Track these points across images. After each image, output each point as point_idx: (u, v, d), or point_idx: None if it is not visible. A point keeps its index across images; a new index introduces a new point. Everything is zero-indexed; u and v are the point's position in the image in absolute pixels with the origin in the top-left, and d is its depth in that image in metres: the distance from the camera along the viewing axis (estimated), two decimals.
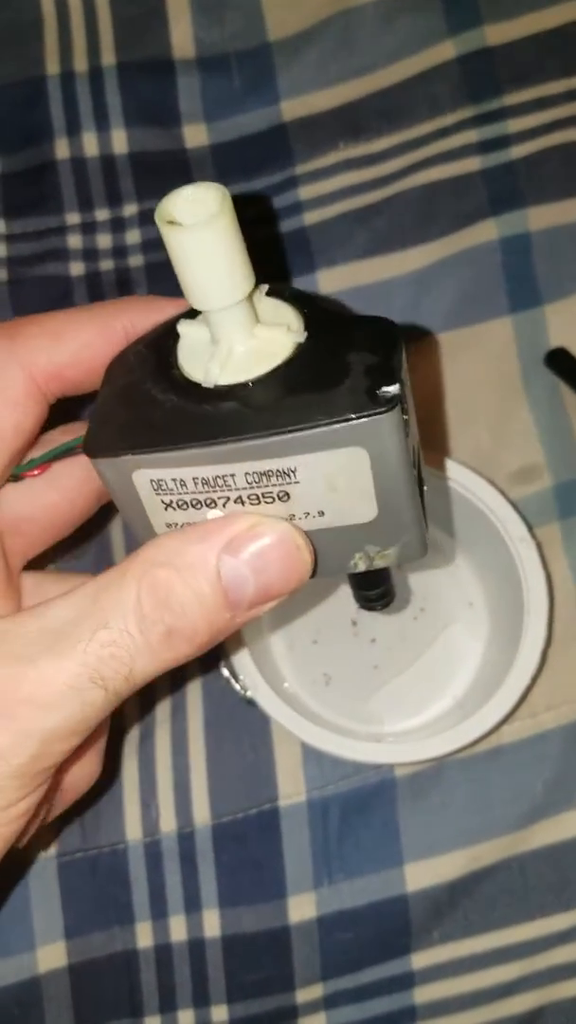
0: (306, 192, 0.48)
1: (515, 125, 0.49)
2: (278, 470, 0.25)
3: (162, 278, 0.48)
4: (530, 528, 0.40)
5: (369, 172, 0.49)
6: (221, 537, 0.25)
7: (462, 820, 0.42)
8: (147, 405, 0.26)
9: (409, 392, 0.26)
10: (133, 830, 0.42)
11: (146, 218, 0.48)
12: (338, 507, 0.26)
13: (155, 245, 0.48)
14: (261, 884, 0.42)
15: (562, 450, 0.45)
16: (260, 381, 0.25)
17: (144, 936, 0.42)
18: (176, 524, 0.27)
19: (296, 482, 0.25)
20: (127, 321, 0.29)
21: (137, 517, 0.27)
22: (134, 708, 0.43)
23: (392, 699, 0.43)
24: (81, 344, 0.29)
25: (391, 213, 0.48)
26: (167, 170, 0.49)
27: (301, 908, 0.42)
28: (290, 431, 0.24)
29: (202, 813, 0.42)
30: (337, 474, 0.25)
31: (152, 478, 0.26)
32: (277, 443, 0.25)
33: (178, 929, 0.42)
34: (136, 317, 0.29)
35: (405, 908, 0.42)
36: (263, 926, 0.42)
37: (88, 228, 0.48)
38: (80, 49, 0.51)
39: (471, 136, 0.49)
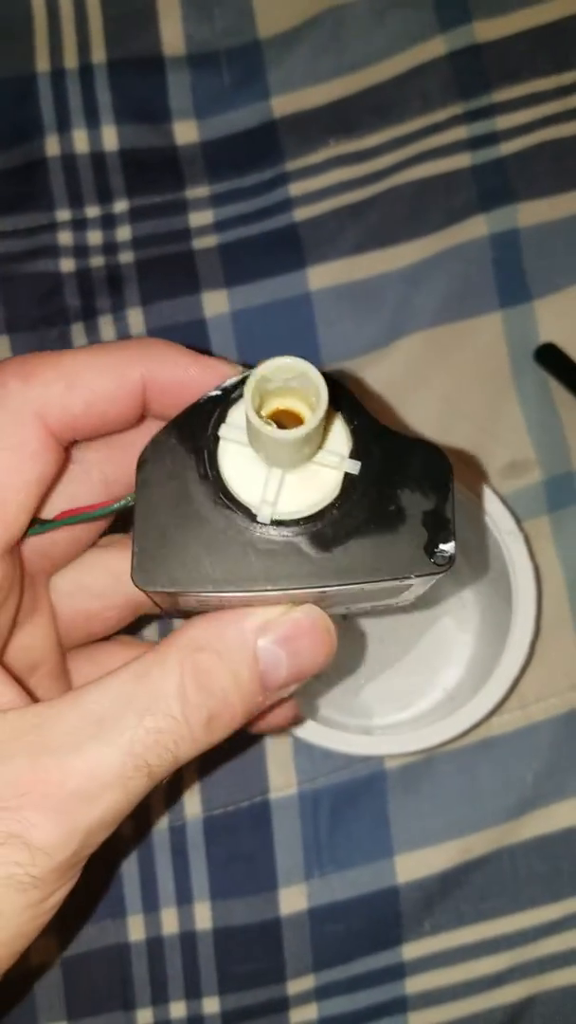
0: (297, 188, 0.49)
1: (505, 121, 0.49)
2: (321, 592, 0.26)
3: (153, 274, 0.48)
4: (519, 521, 0.40)
5: (360, 168, 0.49)
6: (257, 620, 0.26)
7: (452, 811, 0.42)
8: (195, 529, 0.25)
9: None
10: (124, 823, 0.42)
11: (137, 214, 0.48)
12: (365, 600, 0.28)
13: (146, 241, 0.48)
14: (252, 876, 0.42)
15: (552, 445, 0.45)
16: (314, 518, 0.25)
17: (136, 929, 0.42)
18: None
19: (332, 594, 0.26)
20: (145, 370, 0.28)
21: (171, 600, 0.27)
22: None
23: (382, 692, 0.43)
24: (97, 393, 0.27)
25: (382, 209, 0.48)
26: (157, 167, 0.49)
27: (292, 900, 0.42)
28: (348, 584, 0.25)
29: (193, 806, 0.42)
30: (375, 590, 0.26)
31: (199, 598, 0.26)
32: (332, 590, 0.25)
33: (170, 922, 0.42)
34: (155, 367, 0.28)
35: (396, 899, 0.42)
36: (254, 918, 0.42)
37: (79, 225, 0.48)
38: (70, 46, 0.51)
39: (461, 132, 0.49)
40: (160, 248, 0.48)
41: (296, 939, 0.42)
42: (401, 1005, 0.41)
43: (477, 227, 0.47)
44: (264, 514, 0.25)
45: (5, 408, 0.27)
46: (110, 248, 0.48)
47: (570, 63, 0.49)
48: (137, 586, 0.25)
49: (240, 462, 0.25)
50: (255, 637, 0.26)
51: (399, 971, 0.42)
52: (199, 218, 0.49)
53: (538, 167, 0.48)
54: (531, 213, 0.47)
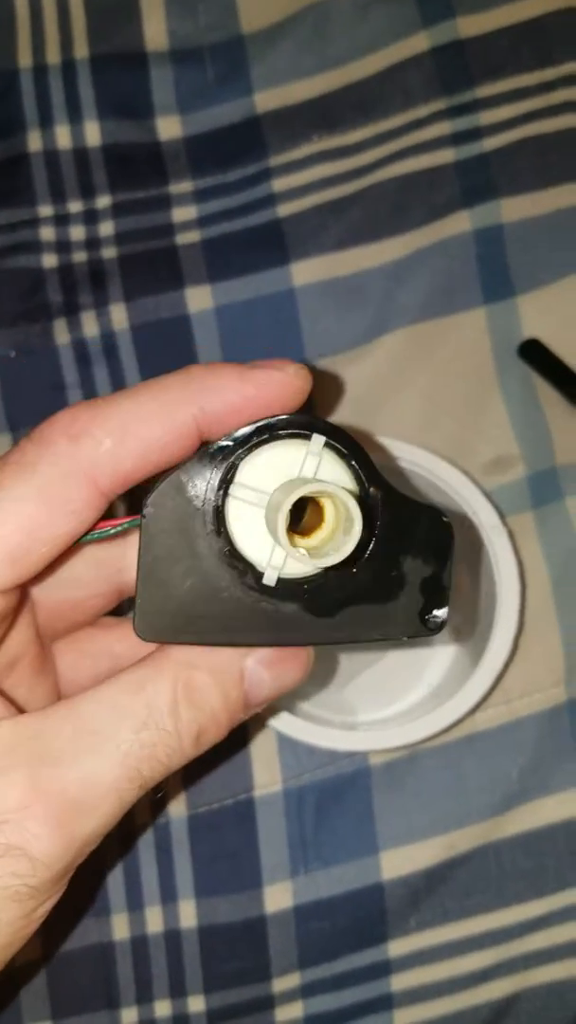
0: (280, 184, 0.48)
1: (488, 117, 0.49)
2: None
3: (135, 270, 0.47)
4: (502, 517, 0.40)
5: (343, 164, 0.49)
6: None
7: (437, 807, 0.42)
8: (200, 584, 0.25)
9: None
10: None
11: (120, 210, 0.48)
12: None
13: (129, 237, 0.48)
14: (237, 874, 0.42)
15: (536, 440, 0.45)
16: (318, 580, 0.25)
17: (120, 927, 0.42)
18: None
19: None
20: (196, 409, 0.26)
21: None
22: None
23: (366, 688, 0.43)
24: (148, 445, 0.26)
25: (365, 205, 0.48)
26: (140, 162, 0.49)
27: (277, 898, 0.42)
28: (343, 642, 0.26)
29: (178, 804, 0.42)
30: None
31: None
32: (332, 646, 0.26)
33: (154, 920, 0.42)
34: (206, 401, 0.26)
35: (381, 896, 0.42)
36: (239, 916, 0.42)
37: (61, 220, 0.48)
38: (53, 42, 0.50)
39: (445, 128, 0.49)
40: (143, 244, 0.48)
41: (281, 937, 0.42)
42: (387, 1002, 0.41)
43: (460, 223, 0.47)
44: (270, 577, 0.25)
45: (56, 467, 0.26)
46: (93, 243, 0.48)
47: (552, 59, 0.49)
48: (139, 637, 0.25)
49: (248, 520, 0.25)
50: (243, 659, 0.27)
51: (385, 968, 0.41)
52: (182, 213, 0.48)
53: (521, 163, 0.48)
54: (514, 209, 0.47)
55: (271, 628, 0.25)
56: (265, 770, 0.42)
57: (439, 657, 0.43)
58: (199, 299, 0.47)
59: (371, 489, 0.26)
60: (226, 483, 0.25)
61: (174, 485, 0.25)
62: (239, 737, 0.43)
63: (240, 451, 0.25)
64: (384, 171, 0.48)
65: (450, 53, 0.49)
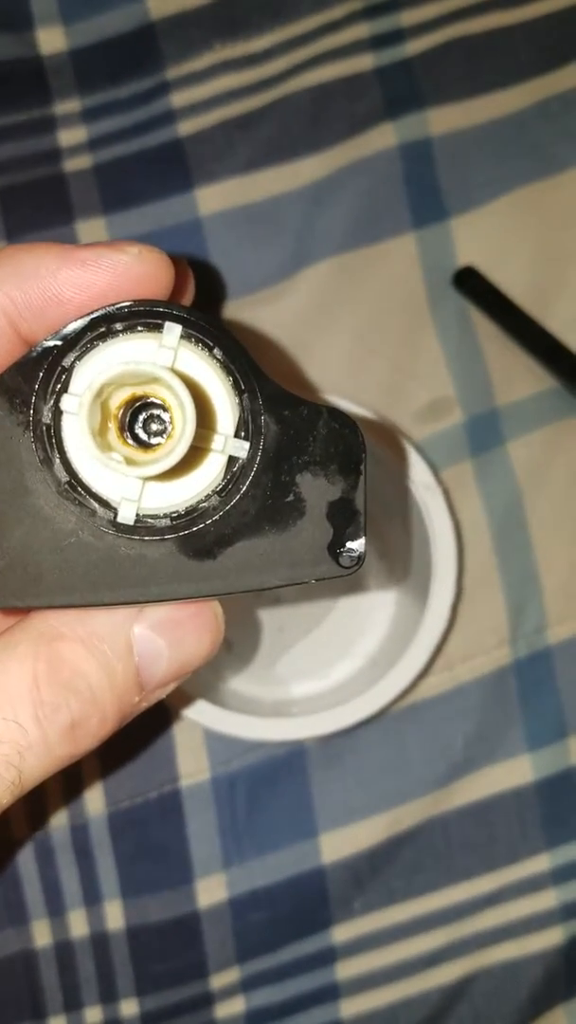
0: (180, 99, 0.43)
1: (410, 17, 0.44)
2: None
3: (18, 203, 0.42)
4: (436, 472, 0.36)
5: (250, 74, 0.44)
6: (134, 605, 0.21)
7: (380, 783, 0.39)
8: (37, 530, 0.20)
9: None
10: (19, 827, 0.38)
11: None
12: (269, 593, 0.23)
13: (9, 165, 0.43)
14: (166, 870, 0.39)
15: (473, 380, 0.41)
16: (191, 514, 0.20)
17: (41, 934, 0.39)
18: None
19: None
20: (3, 297, 0.21)
21: None
22: None
23: (300, 662, 0.40)
24: None
25: (277, 119, 0.43)
26: (20, 80, 0.43)
27: (210, 891, 0.39)
28: (234, 592, 0.20)
29: (95, 801, 0.39)
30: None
31: None
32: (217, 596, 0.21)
33: (78, 924, 0.38)
34: (13, 286, 0.21)
35: (322, 880, 0.39)
36: (171, 914, 0.39)
37: None
38: None
39: (362, 30, 0.44)
40: (26, 172, 0.43)
41: (217, 931, 0.39)
42: (333, 992, 0.39)
43: (384, 137, 0.43)
44: (126, 513, 0.20)
45: None
46: None
47: None
48: None
49: (90, 441, 0.19)
50: (130, 623, 0.21)
51: (330, 956, 0.39)
52: (70, 136, 0.43)
53: (448, 68, 0.43)
54: (443, 120, 0.43)
55: (137, 580, 0.20)
56: (191, 757, 0.39)
57: (375, 625, 0.40)
58: (93, 234, 0.42)
59: (248, 389, 0.20)
60: (56, 395, 0.20)
61: (4, 396, 0.20)
62: (160, 721, 0.39)
63: (71, 352, 0.20)
64: (296, 81, 0.43)
65: None
